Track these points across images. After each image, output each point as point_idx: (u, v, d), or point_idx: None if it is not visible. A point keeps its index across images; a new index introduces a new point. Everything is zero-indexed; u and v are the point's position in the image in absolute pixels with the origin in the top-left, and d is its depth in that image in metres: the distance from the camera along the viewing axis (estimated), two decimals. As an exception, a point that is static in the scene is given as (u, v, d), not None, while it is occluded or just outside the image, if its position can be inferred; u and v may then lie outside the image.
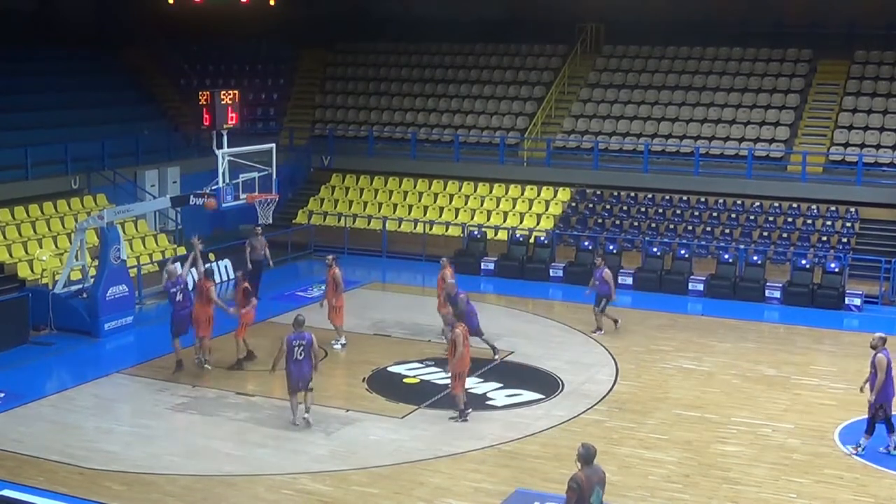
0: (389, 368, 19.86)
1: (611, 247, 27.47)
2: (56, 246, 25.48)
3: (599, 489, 11.03)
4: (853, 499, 14.46)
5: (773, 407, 18.00)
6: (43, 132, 28.62)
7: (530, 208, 30.84)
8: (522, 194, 31.29)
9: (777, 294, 25.22)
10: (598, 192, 30.62)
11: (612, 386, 19.04)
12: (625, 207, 29.97)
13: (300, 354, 16.20)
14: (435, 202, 31.84)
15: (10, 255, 24.47)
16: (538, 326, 23.10)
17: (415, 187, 32.45)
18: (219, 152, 21.45)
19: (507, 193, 31.52)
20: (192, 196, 22.26)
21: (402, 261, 29.27)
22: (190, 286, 20.08)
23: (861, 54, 32.00)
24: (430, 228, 30.49)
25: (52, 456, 15.44)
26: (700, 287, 25.89)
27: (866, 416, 15.90)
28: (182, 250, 27.74)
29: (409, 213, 31.57)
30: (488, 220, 30.63)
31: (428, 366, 19.79)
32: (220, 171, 21.37)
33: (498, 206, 31.20)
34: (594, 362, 20.44)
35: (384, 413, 17.45)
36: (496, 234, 29.63)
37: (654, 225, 29.11)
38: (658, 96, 32.89)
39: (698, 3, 33.41)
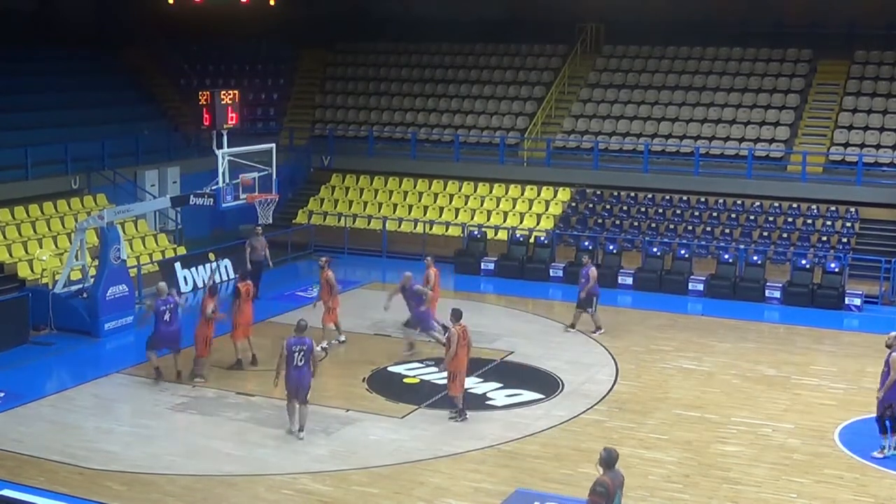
0: (389, 368, 19.87)
1: (611, 247, 27.47)
2: (56, 246, 25.48)
3: (620, 493, 11.00)
4: (853, 499, 14.47)
5: (773, 407, 18.00)
6: (43, 132, 28.62)
7: (530, 208, 30.84)
8: (522, 194, 31.29)
9: (777, 294, 25.22)
10: (598, 192, 30.62)
11: (612, 386, 19.05)
12: (625, 207, 29.97)
13: (300, 360, 15.88)
14: (435, 202, 31.84)
15: (10, 255, 24.47)
16: (538, 326, 23.10)
17: (415, 187, 32.45)
18: (219, 152, 21.43)
19: (507, 193, 31.52)
20: (192, 196, 22.25)
21: (403, 261, 29.16)
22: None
23: (861, 54, 32.00)
24: (430, 228, 30.49)
25: (52, 456, 15.44)
26: (700, 287, 25.89)
27: (875, 415, 15.85)
28: (182, 250, 27.78)
29: (409, 213, 31.57)
30: (488, 220, 30.63)
31: (428, 366, 19.78)
32: (220, 171, 21.36)
33: (498, 206, 31.20)
34: (594, 362, 20.44)
35: (384, 413, 17.45)
36: (496, 234, 29.63)
37: (654, 225, 29.11)
38: (658, 96, 32.89)
39: (698, 3, 33.40)
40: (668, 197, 29.90)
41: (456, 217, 31.04)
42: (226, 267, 26.91)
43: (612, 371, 19.90)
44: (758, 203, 28.98)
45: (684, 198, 29.77)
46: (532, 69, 35.47)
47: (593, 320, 22.36)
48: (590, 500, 10.80)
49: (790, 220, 28.35)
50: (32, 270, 24.25)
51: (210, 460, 15.46)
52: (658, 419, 17.35)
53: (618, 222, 29.41)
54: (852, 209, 28.06)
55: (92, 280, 22.26)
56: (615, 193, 30.42)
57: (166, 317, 18.59)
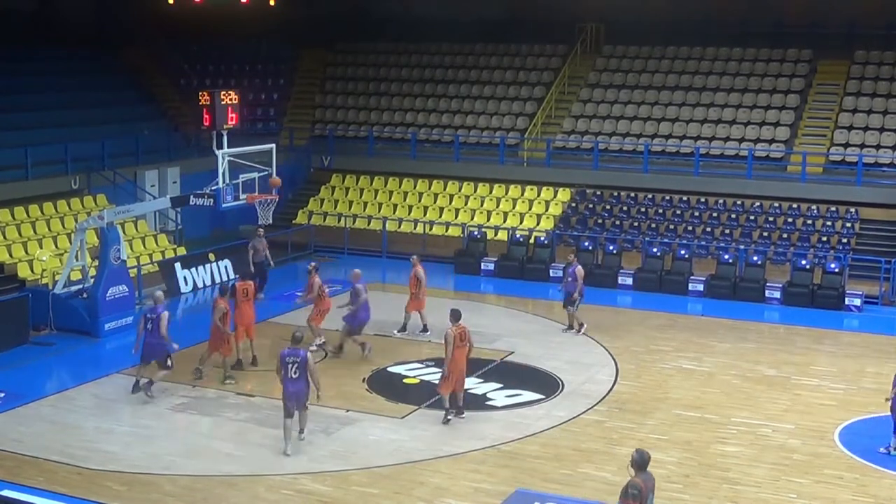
0: (389, 368, 19.87)
1: (611, 247, 27.47)
2: (56, 246, 25.48)
3: (652, 496, 10.87)
4: (853, 499, 14.46)
5: (773, 407, 18.00)
6: (43, 132, 28.62)
7: (530, 208, 30.85)
8: (522, 194, 31.29)
9: (777, 294, 25.22)
10: (598, 193, 30.62)
11: (612, 386, 19.04)
12: (625, 207, 29.97)
13: (294, 372, 15.33)
14: (435, 202, 31.85)
15: (10, 255, 24.47)
16: (538, 326, 23.09)
17: (415, 187, 32.46)
18: (219, 152, 21.42)
19: (507, 194, 31.52)
20: (192, 196, 22.25)
21: (403, 261, 29.09)
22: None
23: (861, 54, 32.01)
24: (430, 229, 30.50)
25: (52, 456, 15.43)
26: (700, 287, 25.89)
27: (889, 414, 15.84)
28: (182, 250, 27.78)
29: (409, 214, 31.57)
30: (488, 220, 30.63)
31: (428, 366, 19.77)
32: (220, 171, 21.35)
33: (498, 206, 31.20)
34: (594, 362, 20.44)
35: (384, 413, 17.45)
36: (496, 235, 29.63)
37: (654, 225, 29.12)
38: (658, 96, 32.90)
39: (698, 3, 33.41)
40: (668, 197, 29.90)
41: (456, 217, 31.04)
42: (226, 267, 26.92)
43: (612, 371, 19.90)
44: (758, 203, 28.98)
45: (684, 198, 29.77)
46: (532, 69, 35.48)
47: (568, 318, 22.26)
48: (621, 503, 10.66)
49: (790, 220, 28.35)
50: (32, 271, 24.26)
51: (210, 460, 15.45)
52: (658, 419, 17.35)
53: (618, 222, 29.41)
54: (852, 209, 28.06)
55: (92, 280, 22.25)
56: (615, 194, 30.42)
57: (148, 325, 17.79)
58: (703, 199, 29.63)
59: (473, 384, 18.49)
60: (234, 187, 21.74)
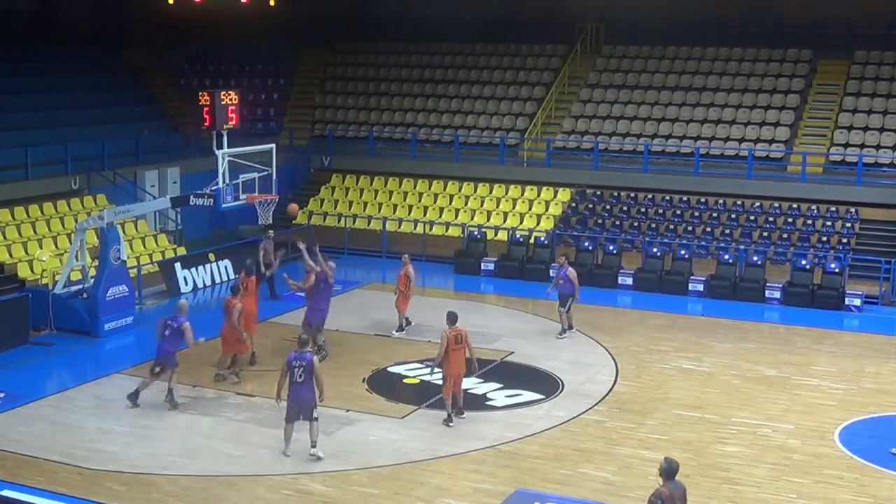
0: (389, 368, 19.88)
1: (611, 247, 27.48)
2: (56, 246, 25.49)
3: None
4: (853, 499, 14.47)
5: (773, 407, 18.00)
6: (43, 132, 28.62)
7: (530, 209, 30.85)
8: (522, 195, 31.29)
9: (777, 294, 25.22)
10: (598, 193, 30.62)
11: (612, 386, 19.04)
12: (625, 208, 29.97)
13: (300, 376, 15.06)
14: (435, 202, 31.85)
15: (10, 256, 24.48)
16: (538, 327, 23.08)
17: (415, 188, 32.46)
18: (219, 153, 21.43)
19: (507, 194, 31.52)
20: (192, 196, 22.25)
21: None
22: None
23: (861, 54, 32.01)
24: (430, 229, 30.50)
25: (52, 456, 15.44)
26: (700, 287, 25.89)
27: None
28: (182, 251, 27.78)
29: (409, 214, 31.57)
30: (488, 220, 30.63)
31: (428, 366, 19.74)
32: (220, 171, 21.36)
33: (498, 206, 31.20)
34: (594, 362, 20.44)
35: (384, 413, 17.45)
36: (496, 235, 29.63)
37: (654, 225, 29.12)
38: (658, 96, 32.90)
39: (698, 3, 33.40)
40: (668, 197, 29.90)
41: (456, 217, 31.04)
42: (226, 268, 26.92)
43: (612, 371, 19.90)
44: (758, 203, 28.98)
45: (684, 198, 29.77)
46: (532, 69, 35.48)
47: (561, 321, 22.18)
48: None
49: (790, 220, 28.35)
50: (32, 271, 24.26)
51: (210, 460, 15.46)
52: (658, 419, 17.35)
53: (618, 222, 29.41)
54: (852, 209, 28.06)
55: (92, 280, 22.26)
56: (615, 194, 30.43)
57: (166, 332, 17.73)
58: (703, 199, 29.63)
59: (473, 384, 18.49)
60: (234, 187, 21.75)
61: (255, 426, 16.77)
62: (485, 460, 15.59)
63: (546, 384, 19.03)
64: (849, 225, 27.76)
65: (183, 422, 17.09)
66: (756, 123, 31.14)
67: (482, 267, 27.98)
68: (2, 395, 18.07)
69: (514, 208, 30.97)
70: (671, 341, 22.02)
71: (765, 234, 28.03)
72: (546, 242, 28.27)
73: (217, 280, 26.63)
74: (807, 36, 32.89)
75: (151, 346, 20.78)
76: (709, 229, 28.58)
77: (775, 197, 28.87)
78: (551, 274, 27.17)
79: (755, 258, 26.09)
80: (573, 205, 30.51)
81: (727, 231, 28.35)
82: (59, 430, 16.61)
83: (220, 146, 21.53)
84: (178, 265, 26.08)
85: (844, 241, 27.26)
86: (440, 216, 31.21)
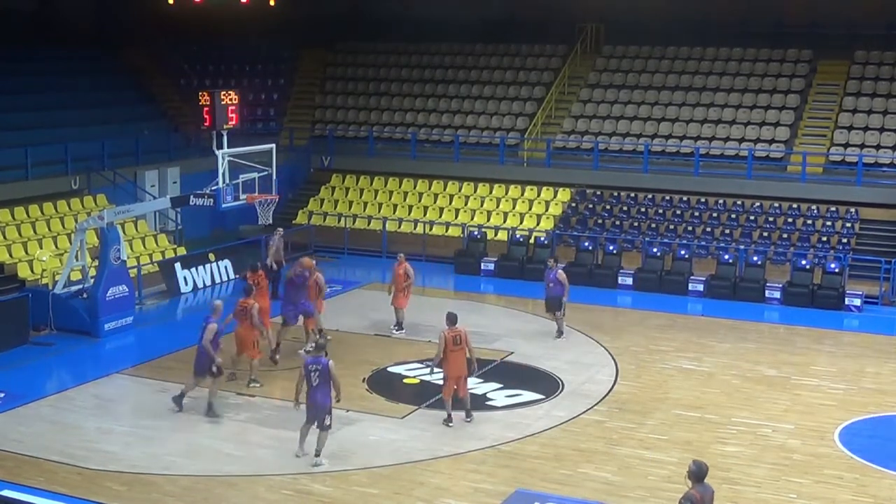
0: (389, 368, 19.87)
1: (611, 247, 27.47)
2: (56, 246, 25.49)
3: None
4: (853, 499, 14.47)
5: (773, 407, 18.00)
6: (43, 132, 28.62)
7: (530, 209, 30.84)
8: (522, 195, 31.29)
9: (777, 294, 25.22)
10: (598, 193, 30.62)
11: (612, 386, 19.04)
12: (625, 208, 29.97)
13: (316, 380, 15.14)
14: (435, 202, 31.84)
15: (10, 256, 24.48)
16: (538, 327, 23.06)
17: (415, 188, 32.46)
18: (219, 153, 21.43)
19: (507, 194, 31.51)
20: (192, 196, 22.25)
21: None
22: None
23: (861, 54, 32.01)
24: (430, 229, 30.49)
25: (52, 456, 15.44)
26: (700, 287, 25.89)
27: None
28: (182, 250, 27.78)
29: (409, 214, 31.57)
30: (488, 220, 30.62)
31: (428, 366, 19.74)
32: (220, 171, 21.36)
33: (498, 206, 31.19)
34: (594, 362, 20.44)
35: (384, 413, 17.45)
36: (496, 235, 29.63)
37: (654, 225, 29.12)
38: (658, 96, 32.89)
39: (698, 3, 33.39)
40: (668, 197, 29.90)
41: (456, 217, 31.04)
42: (226, 268, 26.92)
43: (612, 371, 19.90)
44: (758, 203, 28.98)
45: (684, 198, 29.76)
46: (532, 69, 35.48)
47: (561, 322, 22.09)
48: None
49: (790, 220, 28.35)
50: (32, 271, 24.26)
51: (210, 460, 15.46)
52: (658, 419, 17.35)
53: (618, 223, 29.40)
54: (852, 209, 28.06)
55: (92, 280, 22.26)
56: (615, 194, 30.42)
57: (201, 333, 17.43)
58: (703, 199, 29.62)
59: (474, 384, 18.45)
60: (234, 187, 21.75)
61: (255, 426, 16.78)
62: (485, 460, 15.59)
63: (546, 384, 19.03)
64: (849, 225, 27.75)
65: (183, 422, 17.08)
66: (756, 123, 31.13)
67: (482, 267, 27.97)
68: (2, 395, 18.07)
69: (514, 208, 30.97)
70: (671, 341, 22.02)
71: (765, 234, 28.03)
72: (546, 242, 28.26)
73: (217, 280, 26.62)
74: (807, 36, 32.88)
75: (152, 346, 20.93)
76: (709, 229, 28.58)
77: (775, 197, 28.87)
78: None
79: (755, 258, 26.09)
80: (573, 205, 30.50)
81: (727, 231, 28.35)
82: (59, 430, 16.61)
83: (220, 146, 21.53)
84: (178, 265, 26.08)
85: (844, 241, 27.26)
86: (440, 216, 31.20)
